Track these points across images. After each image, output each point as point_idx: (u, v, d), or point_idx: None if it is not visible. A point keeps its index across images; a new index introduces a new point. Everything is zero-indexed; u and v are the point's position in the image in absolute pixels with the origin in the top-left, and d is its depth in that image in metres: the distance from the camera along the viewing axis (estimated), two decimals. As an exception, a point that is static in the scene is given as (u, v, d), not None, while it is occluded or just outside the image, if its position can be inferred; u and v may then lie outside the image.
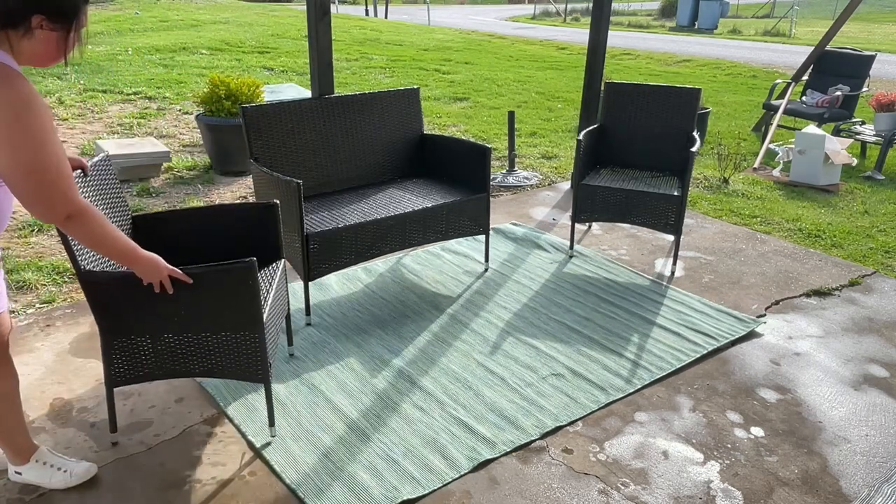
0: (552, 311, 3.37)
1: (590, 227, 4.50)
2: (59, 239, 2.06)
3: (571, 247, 4.07)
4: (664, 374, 2.87)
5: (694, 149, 3.69)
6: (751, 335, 3.20)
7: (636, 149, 4.21)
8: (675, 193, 3.65)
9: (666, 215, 3.71)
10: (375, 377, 2.80)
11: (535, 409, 2.62)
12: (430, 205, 3.41)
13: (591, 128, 4.10)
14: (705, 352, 3.04)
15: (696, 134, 4.00)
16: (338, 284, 3.58)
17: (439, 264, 3.86)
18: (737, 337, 3.16)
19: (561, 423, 2.54)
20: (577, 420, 2.57)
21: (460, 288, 3.58)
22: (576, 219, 3.91)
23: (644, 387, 2.79)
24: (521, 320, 3.27)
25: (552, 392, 2.73)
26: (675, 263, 3.85)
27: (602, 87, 4.68)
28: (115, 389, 2.63)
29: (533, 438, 2.46)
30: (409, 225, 3.36)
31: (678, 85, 4.18)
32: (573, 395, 2.71)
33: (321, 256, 3.08)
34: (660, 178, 4.02)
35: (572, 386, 2.77)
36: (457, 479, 2.26)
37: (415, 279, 3.67)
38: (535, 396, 2.70)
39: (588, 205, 3.85)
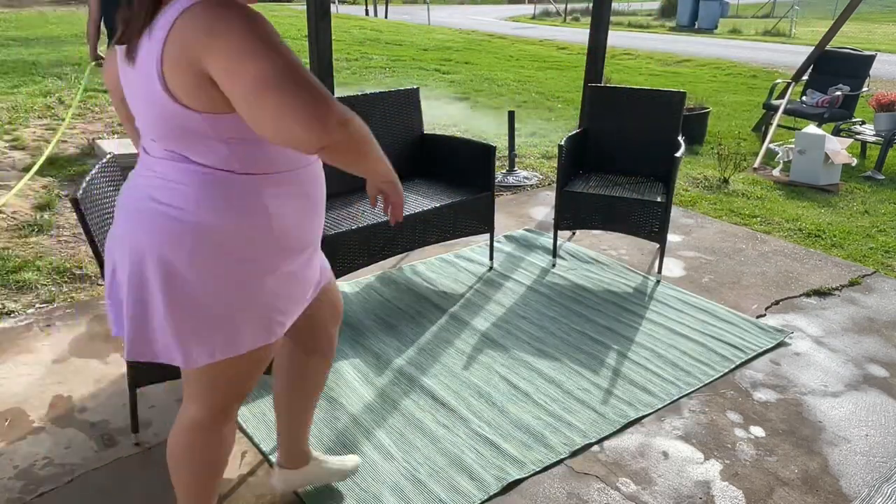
0: (573, 320, 3.26)
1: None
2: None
3: (554, 255, 3.95)
4: (692, 389, 2.76)
5: (678, 154, 3.61)
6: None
7: (620, 154, 4.12)
8: (659, 199, 3.60)
9: (650, 222, 3.62)
10: (394, 391, 2.68)
11: (563, 426, 2.51)
12: (436, 205, 3.40)
13: (574, 132, 4.06)
14: (734, 366, 2.93)
15: (681, 139, 3.92)
16: (345, 287, 3.57)
17: (446, 267, 3.80)
18: (765, 349, 3.06)
19: (590, 441, 2.44)
20: (606, 437, 2.48)
21: (470, 293, 3.54)
22: (558, 226, 3.81)
23: (672, 402, 2.69)
24: (541, 331, 3.16)
25: (579, 408, 2.63)
26: (660, 271, 3.78)
27: (585, 91, 4.61)
28: (118, 390, 2.64)
29: (563, 457, 2.36)
30: (414, 226, 3.34)
31: (663, 88, 4.12)
32: (601, 411, 2.61)
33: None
34: (644, 183, 3.95)
35: (599, 401, 2.68)
36: (485, 500, 2.17)
37: (423, 283, 3.63)
38: (561, 412, 2.59)
39: (570, 212, 3.76)
